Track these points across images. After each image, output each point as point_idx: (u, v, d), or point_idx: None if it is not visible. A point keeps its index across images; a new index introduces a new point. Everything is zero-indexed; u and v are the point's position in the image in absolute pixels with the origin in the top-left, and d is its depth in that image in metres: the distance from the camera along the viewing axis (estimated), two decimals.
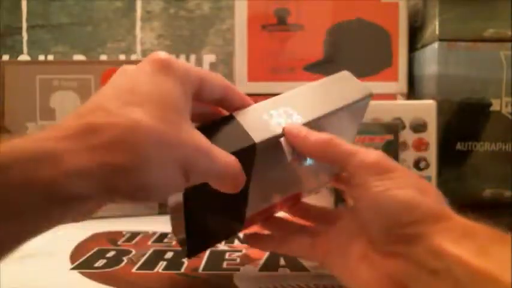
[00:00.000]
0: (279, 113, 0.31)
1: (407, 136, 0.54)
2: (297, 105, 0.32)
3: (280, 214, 0.40)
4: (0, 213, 0.19)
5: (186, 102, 0.26)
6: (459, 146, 0.62)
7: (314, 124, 0.31)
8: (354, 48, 0.69)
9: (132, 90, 0.25)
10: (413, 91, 0.70)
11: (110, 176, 0.22)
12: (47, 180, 0.20)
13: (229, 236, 0.38)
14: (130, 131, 0.22)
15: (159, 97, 0.25)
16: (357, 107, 0.35)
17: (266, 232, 0.39)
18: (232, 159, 0.27)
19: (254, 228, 0.38)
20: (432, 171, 0.54)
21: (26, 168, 0.20)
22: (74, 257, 0.42)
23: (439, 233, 0.25)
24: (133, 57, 0.87)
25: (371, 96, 0.36)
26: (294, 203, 0.39)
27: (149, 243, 0.46)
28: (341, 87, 0.35)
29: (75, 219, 0.24)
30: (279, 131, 0.30)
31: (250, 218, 0.33)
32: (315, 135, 0.30)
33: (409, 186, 0.27)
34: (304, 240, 0.34)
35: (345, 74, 0.36)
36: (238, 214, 0.33)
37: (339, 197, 0.55)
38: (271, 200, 0.35)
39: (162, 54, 0.27)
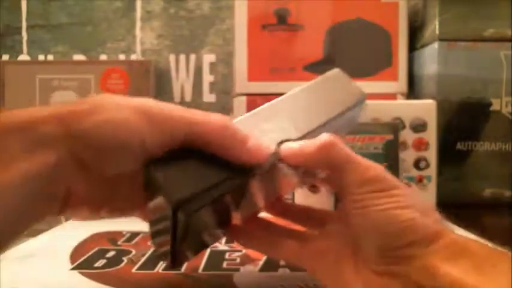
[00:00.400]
0: (271, 127, 0.29)
1: (407, 136, 0.54)
2: (290, 116, 0.30)
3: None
4: None
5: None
6: (459, 145, 0.62)
7: (309, 136, 0.30)
8: (353, 48, 0.69)
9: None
10: (413, 91, 0.70)
11: (71, 117, 0.24)
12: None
13: (212, 244, 0.36)
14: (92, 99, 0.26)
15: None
16: (351, 111, 0.34)
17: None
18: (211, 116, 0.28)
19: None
20: (432, 171, 0.54)
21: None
22: (74, 257, 0.42)
23: (435, 253, 0.24)
24: (133, 57, 0.87)
25: (365, 98, 0.35)
26: (273, 203, 0.37)
27: (149, 243, 0.46)
28: (335, 91, 0.33)
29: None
30: (273, 149, 0.28)
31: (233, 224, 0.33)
32: (311, 146, 0.28)
33: (409, 206, 0.26)
34: (292, 244, 0.31)
35: (337, 74, 0.35)
36: (225, 223, 0.32)
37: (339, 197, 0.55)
38: (257, 207, 0.34)
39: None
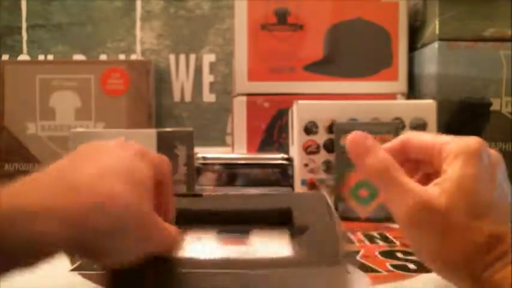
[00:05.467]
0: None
1: None
2: None
3: None
4: None
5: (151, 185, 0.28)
6: None
7: None
8: (353, 48, 0.69)
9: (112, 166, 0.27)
10: (413, 91, 0.70)
11: (85, 237, 0.24)
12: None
13: None
14: (112, 199, 0.25)
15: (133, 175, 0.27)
16: None
17: None
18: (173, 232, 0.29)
19: None
20: None
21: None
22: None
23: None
24: (133, 57, 0.87)
25: None
26: None
27: None
28: None
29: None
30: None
31: None
32: None
33: None
34: None
35: None
36: None
37: (339, 197, 0.55)
38: None
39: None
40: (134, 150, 0.29)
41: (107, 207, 0.24)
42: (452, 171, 0.26)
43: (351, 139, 0.30)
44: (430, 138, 0.31)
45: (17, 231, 0.22)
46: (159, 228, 0.27)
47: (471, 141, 0.28)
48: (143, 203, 0.26)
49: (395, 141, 0.32)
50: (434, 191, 0.26)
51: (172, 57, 0.87)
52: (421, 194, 0.26)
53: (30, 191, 0.24)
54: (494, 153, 0.28)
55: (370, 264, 0.38)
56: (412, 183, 0.27)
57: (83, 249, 0.25)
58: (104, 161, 0.27)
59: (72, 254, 0.26)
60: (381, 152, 0.29)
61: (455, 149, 0.27)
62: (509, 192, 0.28)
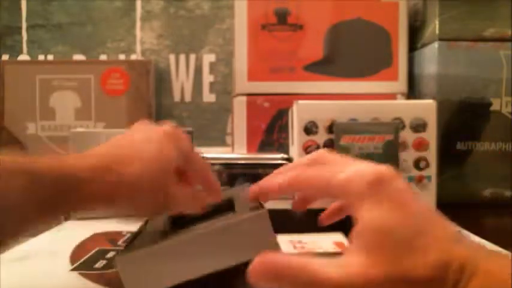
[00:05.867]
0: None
1: (407, 136, 0.54)
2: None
3: None
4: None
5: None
6: (459, 145, 0.62)
7: None
8: (353, 48, 0.69)
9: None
10: (413, 91, 0.70)
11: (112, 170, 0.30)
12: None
13: None
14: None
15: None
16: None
17: None
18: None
19: None
20: (432, 171, 0.54)
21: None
22: (74, 257, 0.42)
23: None
24: (133, 57, 0.87)
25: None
26: None
27: None
28: (245, 238, 0.31)
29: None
30: None
31: None
32: None
33: None
34: None
35: (260, 218, 0.31)
36: None
37: None
38: None
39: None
40: (164, 131, 0.34)
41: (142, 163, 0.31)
42: (363, 220, 0.24)
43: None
44: (316, 174, 0.27)
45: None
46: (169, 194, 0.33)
47: (369, 173, 0.24)
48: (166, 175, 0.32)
49: (284, 181, 0.29)
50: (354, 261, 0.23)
51: (172, 57, 0.87)
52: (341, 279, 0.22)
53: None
54: (389, 174, 0.25)
55: None
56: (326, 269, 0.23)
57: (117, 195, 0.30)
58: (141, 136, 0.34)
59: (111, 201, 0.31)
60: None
61: (356, 189, 0.24)
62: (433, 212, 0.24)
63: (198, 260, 0.31)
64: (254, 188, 0.31)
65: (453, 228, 0.24)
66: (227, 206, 0.35)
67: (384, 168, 0.25)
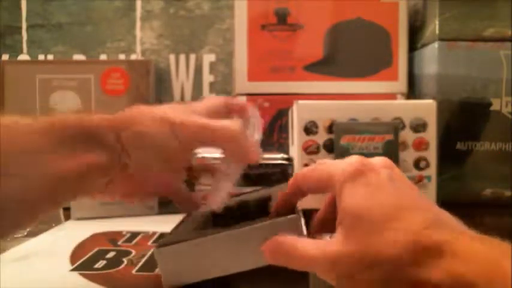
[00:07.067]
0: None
1: (407, 136, 0.54)
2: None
3: None
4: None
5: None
6: (459, 145, 0.62)
7: None
8: (353, 48, 0.69)
9: None
10: (413, 91, 0.70)
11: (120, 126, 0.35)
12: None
13: None
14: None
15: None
16: None
17: None
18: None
19: None
20: (432, 171, 0.54)
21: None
22: (73, 257, 0.42)
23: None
24: (133, 57, 0.87)
25: None
26: None
27: (149, 243, 0.46)
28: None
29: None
30: None
31: None
32: None
33: None
34: None
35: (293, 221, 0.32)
36: None
37: None
38: None
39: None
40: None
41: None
42: (342, 206, 0.27)
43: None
44: (315, 173, 0.31)
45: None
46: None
47: (347, 164, 0.28)
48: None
49: (289, 188, 0.33)
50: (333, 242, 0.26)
51: (172, 57, 0.87)
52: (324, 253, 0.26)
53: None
54: (379, 162, 0.29)
55: None
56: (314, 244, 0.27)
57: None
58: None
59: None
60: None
61: (342, 177, 0.28)
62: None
63: (233, 257, 0.32)
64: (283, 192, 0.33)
65: (438, 215, 0.26)
66: (265, 207, 0.37)
67: (377, 159, 0.29)
